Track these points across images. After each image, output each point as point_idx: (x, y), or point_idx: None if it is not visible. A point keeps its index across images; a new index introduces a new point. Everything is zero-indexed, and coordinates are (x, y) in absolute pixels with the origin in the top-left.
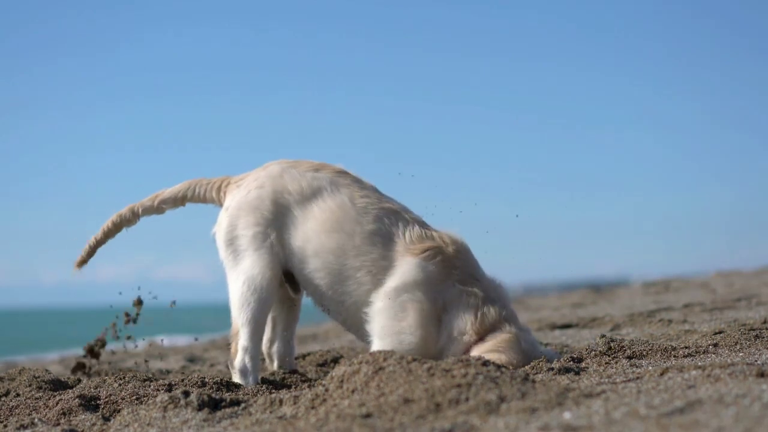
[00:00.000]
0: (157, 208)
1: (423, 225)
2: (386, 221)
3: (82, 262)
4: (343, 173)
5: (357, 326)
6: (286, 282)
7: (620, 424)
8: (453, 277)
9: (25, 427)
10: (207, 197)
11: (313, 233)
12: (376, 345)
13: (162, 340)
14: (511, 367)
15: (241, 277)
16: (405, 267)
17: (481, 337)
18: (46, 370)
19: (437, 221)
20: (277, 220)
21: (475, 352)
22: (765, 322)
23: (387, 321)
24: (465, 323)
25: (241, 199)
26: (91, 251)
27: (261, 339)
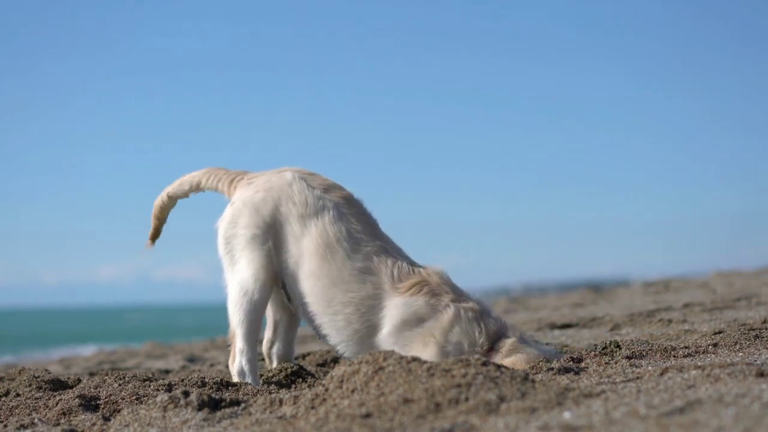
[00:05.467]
0: (182, 193)
1: (411, 263)
2: (376, 260)
3: (154, 238)
4: (349, 201)
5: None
6: (281, 289)
7: (620, 424)
8: (445, 299)
9: (25, 427)
10: (219, 187)
11: (307, 252)
12: None
13: None
14: (531, 360)
15: (235, 278)
16: (393, 311)
17: (491, 346)
18: (46, 370)
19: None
20: (275, 227)
21: (496, 359)
22: (765, 322)
23: None
24: (474, 335)
25: (247, 197)
26: (156, 232)
27: (256, 340)
